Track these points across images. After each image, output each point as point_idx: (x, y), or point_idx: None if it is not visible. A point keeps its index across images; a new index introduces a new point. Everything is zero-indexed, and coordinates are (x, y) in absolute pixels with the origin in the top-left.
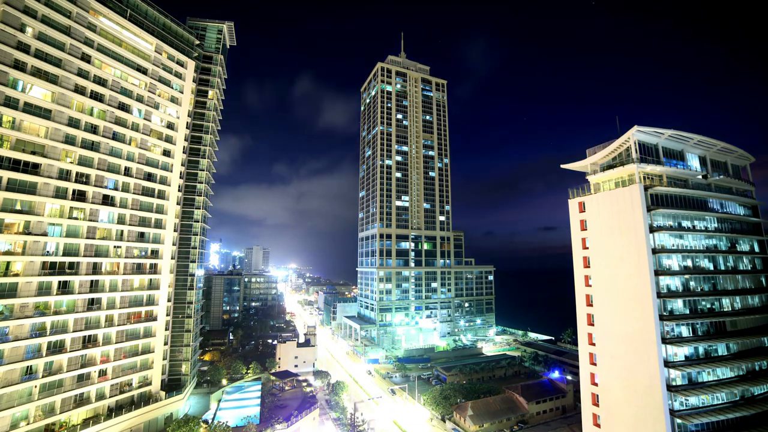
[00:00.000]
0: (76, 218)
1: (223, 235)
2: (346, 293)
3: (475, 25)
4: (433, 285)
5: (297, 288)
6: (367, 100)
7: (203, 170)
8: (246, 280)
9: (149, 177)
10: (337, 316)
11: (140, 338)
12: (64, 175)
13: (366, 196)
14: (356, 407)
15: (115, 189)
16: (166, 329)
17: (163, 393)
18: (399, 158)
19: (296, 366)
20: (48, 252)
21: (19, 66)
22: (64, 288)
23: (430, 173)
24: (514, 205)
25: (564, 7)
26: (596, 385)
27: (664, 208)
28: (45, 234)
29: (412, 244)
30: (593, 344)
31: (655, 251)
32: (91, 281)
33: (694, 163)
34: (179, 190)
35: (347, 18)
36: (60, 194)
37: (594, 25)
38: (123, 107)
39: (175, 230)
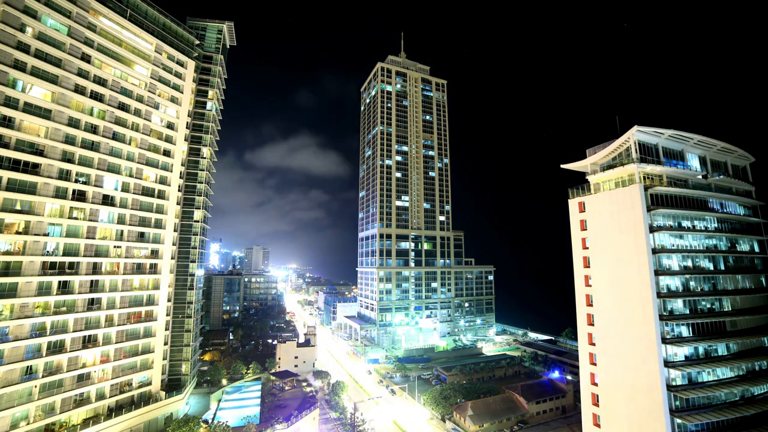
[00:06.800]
0: (76, 218)
1: (222, 234)
2: (346, 293)
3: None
4: (433, 285)
5: (297, 288)
6: (367, 100)
7: (203, 170)
8: (246, 280)
9: (149, 177)
10: (337, 316)
11: (140, 338)
12: (64, 175)
13: (366, 196)
14: (356, 407)
15: (115, 189)
16: (166, 329)
17: (163, 393)
18: (399, 158)
19: (296, 366)
20: (48, 252)
21: (19, 66)
22: (64, 288)
23: (430, 173)
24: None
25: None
26: (596, 385)
27: (664, 208)
28: (45, 234)
29: (412, 244)
30: (593, 344)
31: (655, 251)
32: (91, 281)
33: (694, 163)
34: (179, 190)
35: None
36: (60, 194)
37: None
38: (123, 107)
39: (175, 230)
